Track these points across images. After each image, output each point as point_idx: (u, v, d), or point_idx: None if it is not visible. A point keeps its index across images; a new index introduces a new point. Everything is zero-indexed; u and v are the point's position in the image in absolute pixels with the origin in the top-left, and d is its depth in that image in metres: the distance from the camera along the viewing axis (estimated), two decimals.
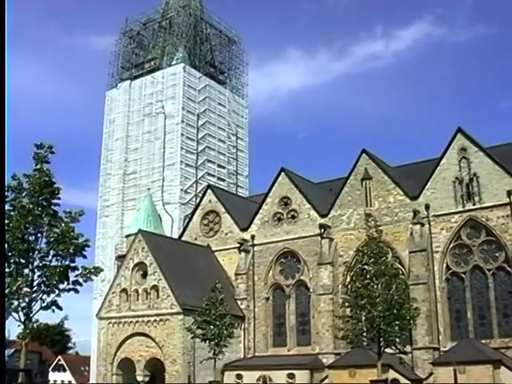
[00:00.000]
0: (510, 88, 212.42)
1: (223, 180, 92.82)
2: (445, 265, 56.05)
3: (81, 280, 20.14)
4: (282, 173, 65.73)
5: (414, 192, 58.04)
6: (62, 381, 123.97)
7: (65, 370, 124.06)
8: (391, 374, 48.21)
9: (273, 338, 63.51)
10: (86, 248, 22.35)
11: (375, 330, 23.03)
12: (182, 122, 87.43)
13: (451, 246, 55.97)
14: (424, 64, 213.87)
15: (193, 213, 72.78)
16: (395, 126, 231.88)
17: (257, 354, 62.08)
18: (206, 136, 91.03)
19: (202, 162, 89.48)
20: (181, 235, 71.42)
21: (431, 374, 49.90)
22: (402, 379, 49.41)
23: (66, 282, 20.23)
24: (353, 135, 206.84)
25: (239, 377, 57.94)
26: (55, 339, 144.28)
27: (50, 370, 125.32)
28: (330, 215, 61.50)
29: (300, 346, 61.39)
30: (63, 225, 20.42)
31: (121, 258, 68.95)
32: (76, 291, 20.10)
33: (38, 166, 24.11)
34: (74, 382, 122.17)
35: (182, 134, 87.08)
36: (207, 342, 38.95)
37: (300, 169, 79.51)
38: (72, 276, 20.05)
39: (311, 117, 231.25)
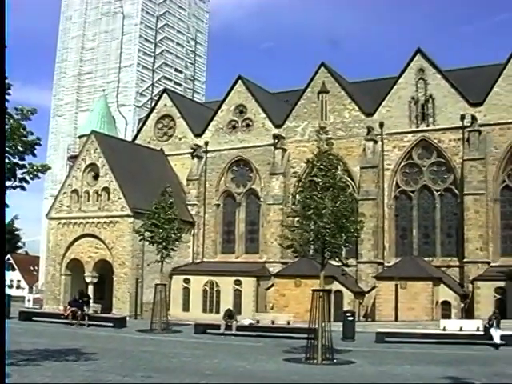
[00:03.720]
0: (471, 13, 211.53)
1: (180, 85, 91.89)
2: (394, 183, 56.91)
3: (28, 177, 19.86)
4: (239, 81, 65.14)
5: (369, 109, 58.23)
6: (11, 280, 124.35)
7: (14, 270, 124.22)
8: (335, 286, 49.51)
9: (221, 244, 64.26)
10: (37, 147, 22.09)
11: (320, 241, 23.36)
12: (141, 23, 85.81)
13: (402, 164, 56.73)
14: None
15: (147, 116, 72.04)
16: (358, 42, 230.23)
17: (205, 259, 62.86)
18: (164, 39, 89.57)
19: (159, 65, 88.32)
20: (134, 138, 70.87)
21: (374, 287, 51.35)
22: (345, 291, 50.84)
23: (12, 180, 20.01)
24: (315, 49, 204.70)
25: (187, 281, 58.86)
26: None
27: None
28: (284, 126, 61.52)
29: (248, 254, 62.27)
30: (12, 121, 20.05)
31: (73, 158, 68.46)
32: (23, 188, 19.85)
33: None
34: (23, 281, 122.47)
35: (140, 36, 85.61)
36: (155, 245, 39.14)
37: (259, 79, 78.74)
38: (19, 174, 19.79)
39: (276, 28, 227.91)
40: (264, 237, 60.51)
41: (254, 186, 62.78)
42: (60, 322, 41.03)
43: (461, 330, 30.29)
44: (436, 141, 55.22)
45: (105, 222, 56.26)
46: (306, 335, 24.64)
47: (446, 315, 47.19)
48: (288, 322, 34.25)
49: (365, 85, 62.74)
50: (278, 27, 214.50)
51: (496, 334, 28.66)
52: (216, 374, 20.02)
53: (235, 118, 64.32)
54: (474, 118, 53.24)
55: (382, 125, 56.98)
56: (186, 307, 58.11)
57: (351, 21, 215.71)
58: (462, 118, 54.00)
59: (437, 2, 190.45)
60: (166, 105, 68.90)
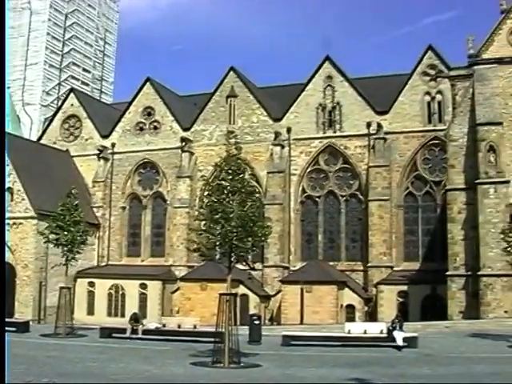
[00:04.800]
0: (382, 24, 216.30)
1: (87, 84, 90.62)
2: (301, 188, 57.58)
3: None
4: (148, 82, 64.64)
5: (277, 114, 58.75)
6: None
7: None
8: (241, 290, 49.66)
9: (127, 247, 63.55)
10: None
11: (227, 245, 23.33)
12: (49, 20, 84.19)
13: (309, 170, 57.46)
14: None
15: (53, 116, 70.61)
16: (269, 47, 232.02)
17: (110, 262, 62.04)
18: (72, 37, 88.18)
19: (66, 64, 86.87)
20: (39, 138, 69.29)
21: (279, 291, 51.75)
22: (251, 294, 51.04)
23: None
24: (227, 53, 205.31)
25: (91, 284, 57.94)
26: None
27: None
28: (192, 129, 61.37)
29: (154, 257, 61.81)
30: None
31: None
32: None
33: None
34: None
35: (48, 33, 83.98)
36: (60, 247, 38.27)
37: (169, 81, 78.53)
38: None
39: (188, 31, 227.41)
40: (170, 240, 60.16)
41: (160, 189, 62.38)
42: None
43: (365, 332, 30.75)
44: (342, 147, 56.18)
45: (8, 224, 54.67)
46: (212, 339, 24.57)
47: (351, 318, 48.04)
48: (194, 326, 34.05)
49: (274, 90, 63.25)
50: (190, 30, 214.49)
51: (399, 337, 29.23)
52: (122, 378, 19.73)
53: (143, 120, 63.77)
54: (379, 126, 54.46)
55: (289, 130, 57.56)
56: (90, 311, 57.18)
57: (262, 26, 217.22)
58: (368, 125, 55.18)
59: (347, 11, 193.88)
60: (72, 105, 67.62)
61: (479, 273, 39.28)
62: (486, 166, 40.16)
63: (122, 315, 53.17)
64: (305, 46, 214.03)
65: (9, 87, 77.85)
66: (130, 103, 64.91)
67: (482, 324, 37.06)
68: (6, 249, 54.13)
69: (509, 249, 30.80)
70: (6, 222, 54.10)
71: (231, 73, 61.10)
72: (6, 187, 52.64)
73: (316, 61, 58.55)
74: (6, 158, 55.12)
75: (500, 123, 40.74)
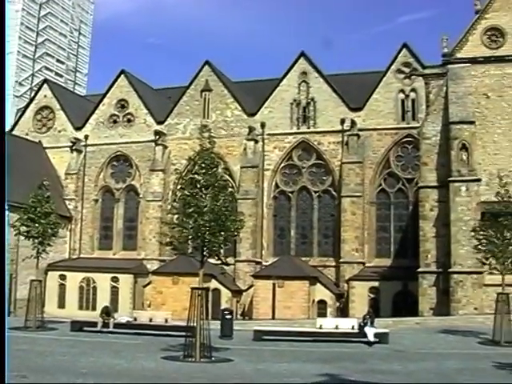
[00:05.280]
0: (358, 22, 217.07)
1: (61, 76, 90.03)
2: (274, 183, 57.65)
3: None
4: (122, 75, 64.28)
5: (251, 109, 58.74)
6: None
7: None
8: (213, 284, 49.65)
9: (99, 240, 63.20)
10: None
11: (200, 239, 23.25)
12: (23, 9, 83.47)
13: (282, 165, 57.55)
14: None
15: (26, 107, 70.00)
16: (248, 43, 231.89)
17: (82, 255, 61.71)
18: (47, 28, 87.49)
19: (40, 54, 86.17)
20: (12, 129, 68.52)
21: (252, 286, 51.80)
22: (223, 289, 51.03)
23: None
24: (203, 47, 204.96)
25: (62, 277, 57.57)
26: None
27: None
28: (166, 122, 61.17)
29: (126, 251, 61.57)
30: None
31: None
32: None
33: None
34: None
35: (22, 23, 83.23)
36: (31, 240, 37.91)
37: (144, 74, 78.02)
38: None
39: (166, 24, 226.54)
40: (142, 233, 59.98)
41: (133, 182, 62.14)
42: None
43: (336, 328, 30.82)
44: (316, 143, 56.33)
45: None
46: (183, 333, 24.51)
47: (322, 314, 48.21)
48: (166, 320, 33.95)
49: (249, 85, 63.21)
50: (167, 23, 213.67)
51: (370, 332, 29.35)
52: (92, 372, 19.59)
53: (116, 113, 63.42)
54: (353, 123, 54.70)
55: (263, 125, 57.58)
56: (61, 304, 56.82)
57: (240, 21, 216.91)
58: (342, 121, 55.38)
59: (324, 8, 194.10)
60: (45, 96, 67.04)
61: (450, 270, 39.57)
62: (459, 165, 40.44)
63: (94, 308, 52.85)
64: (281, 42, 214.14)
65: None
66: (104, 95, 64.52)
67: (452, 320, 37.34)
68: None
69: (479, 246, 31.00)
70: None
71: (206, 67, 60.97)
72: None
73: (292, 56, 58.76)
74: None
75: (473, 122, 41.04)
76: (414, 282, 43.48)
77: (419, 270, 41.87)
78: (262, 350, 27.04)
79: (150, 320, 34.25)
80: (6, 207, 52.55)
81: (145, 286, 54.48)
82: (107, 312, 35.40)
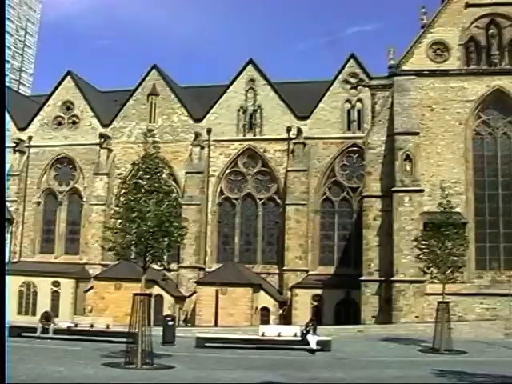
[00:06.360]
0: (308, 31, 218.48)
1: (5, 75, 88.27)
2: (219, 189, 57.60)
3: None
4: (69, 76, 63.44)
5: (198, 114, 58.59)
6: None
7: None
8: (156, 290, 49.28)
9: (40, 244, 62.22)
10: None
11: (143, 245, 23.01)
12: None
13: (227, 171, 57.51)
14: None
15: None
16: (197, 48, 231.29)
17: (22, 259, 60.67)
18: None
19: None
20: None
21: (194, 292, 51.57)
22: (165, 295, 50.70)
23: None
24: (152, 50, 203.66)
25: None
26: None
27: None
28: (111, 126, 60.64)
29: (68, 255, 60.72)
30: None
31: None
32: None
33: None
34: None
35: None
36: None
37: (91, 76, 77.25)
38: None
39: (115, 26, 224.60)
40: (85, 238, 59.26)
41: (77, 185, 61.38)
42: None
43: (279, 335, 30.82)
44: (262, 150, 56.49)
45: None
46: (125, 339, 24.23)
47: (265, 321, 48.24)
48: (107, 326, 33.52)
49: (196, 90, 63.07)
50: (116, 25, 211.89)
51: (312, 340, 29.41)
52: (30, 379, 19.21)
53: (61, 114, 62.60)
54: (299, 131, 54.99)
55: (209, 131, 57.52)
56: None
57: (190, 26, 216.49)
58: (288, 129, 55.61)
59: (275, 17, 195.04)
60: None
61: (392, 279, 39.94)
62: (402, 175, 40.89)
63: (34, 313, 52.04)
64: (231, 48, 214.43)
65: None
66: (49, 96, 63.60)
67: (393, 328, 37.69)
68: None
69: (421, 256, 31.39)
70: None
71: (154, 71, 60.68)
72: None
73: (240, 63, 58.86)
74: None
75: (417, 133, 41.56)
76: (356, 291, 43.77)
77: (362, 278, 42.15)
78: (204, 357, 26.89)
79: (92, 326, 33.76)
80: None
81: (86, 291, 53.83)
82: (47, 317, 34.82)
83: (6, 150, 62.37)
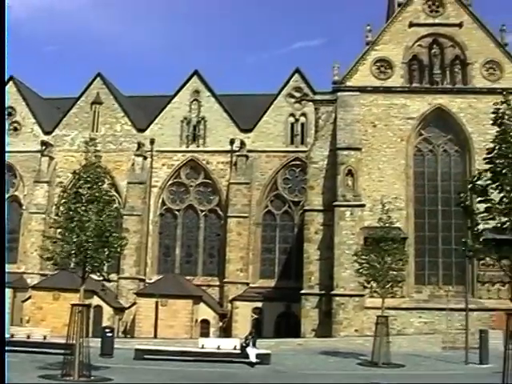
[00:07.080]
0: (256, 45, 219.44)
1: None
2: (161, 200, 57.27)
3: None
4: (11, 81, 62.28)
5: (142, 124, 58.24)
6: None
7: None
8: (95, 301, 48.60)
9: None
10: None
11: (82, 255, 22.72)
12: None
13: (170, 182, 57.26)
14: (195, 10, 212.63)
15: None
16: (143, 57, 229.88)
17: None
18: None
19: None
20: None
21: (134, 303, 51.10)
22: (105, 306, 50.11)
23: None
24: (97, 58, 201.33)
25: None
26: None
27: None
28: (54, 133, 59.73)
29: (6, 264, 59.41)
30: None
31: None
32: None
33: None
34: None
35: None
36: None
37: (36, 82, 75.99)
38: None
39: (61, 32, 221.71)
40: (24, 246, 58.22)
41: (16, 193, 60.21)
42: None
43: (219, 348, 30.71)
44: (205, 162, 56.43)
45: None
46: (62, 351, 23.84)
47: (205, 333, 48.05)
48: (44, 337, 32.94)
49: (141, 100, 62.56)
50: (62, 32, 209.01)
51: (252, 353, 29.37)
52: None
53: None
54: (242, 143, 55.14)
55: (152, 141, 57.22)
56: None
57: (137, 34, 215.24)
58: (232, 142, 55.68)
59: (223, 29, 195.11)
60: None
61: (333, 292, 40.21)
62: (344, 190, 41.25)
63: None
64: (176, 59, 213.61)
65: None
66: None
67: (333, 342, 37.92)
68: None
69: (361, 270, 31.69)
70: None
71: (98, 79, 60.09)
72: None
73: (186, 74, 58.73)
74: None
75: (359, 149, 42.02)
76: (297, 304, 43.95)
77: (302, 291, 42.31)
78: (144, 370, 26.65)
79: (28, 337, 33.14)
80: None
81: (24, 301, 52.82)
82: None
83: None
